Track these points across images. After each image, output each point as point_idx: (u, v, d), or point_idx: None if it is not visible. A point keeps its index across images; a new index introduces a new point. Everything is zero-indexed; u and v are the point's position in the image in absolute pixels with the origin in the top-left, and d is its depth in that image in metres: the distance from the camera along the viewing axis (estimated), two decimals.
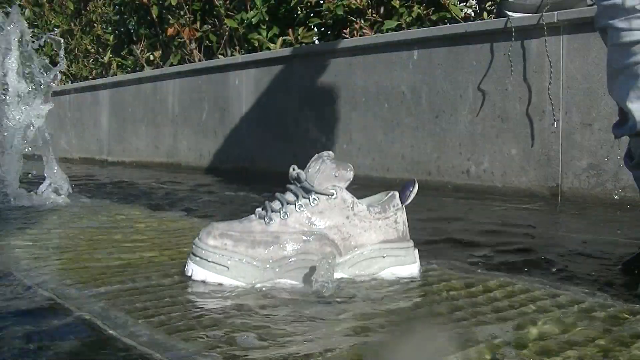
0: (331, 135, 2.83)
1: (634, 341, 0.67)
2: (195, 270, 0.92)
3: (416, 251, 0.99)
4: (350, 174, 0.95)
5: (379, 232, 0.96)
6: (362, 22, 2.97)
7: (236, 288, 0.88)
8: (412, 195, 0.98)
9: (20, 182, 1.91)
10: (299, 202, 0.93)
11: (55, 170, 1.89)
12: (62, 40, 1.95)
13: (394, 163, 2.55)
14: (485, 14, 2.71)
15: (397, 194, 0.99)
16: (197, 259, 0.92)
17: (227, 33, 3.71)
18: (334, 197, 0.94)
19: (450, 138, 2.35)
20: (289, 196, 0.95)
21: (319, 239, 0.93)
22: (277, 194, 0.96)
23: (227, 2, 3.70)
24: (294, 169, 0.96)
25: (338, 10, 3.03)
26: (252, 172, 3.26)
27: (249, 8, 3.54)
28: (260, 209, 0.96)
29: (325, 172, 0.94)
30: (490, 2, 2.78)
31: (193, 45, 3.94)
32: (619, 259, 1.14)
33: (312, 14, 3.34)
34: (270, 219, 0.93)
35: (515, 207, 1.86)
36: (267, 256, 0.91)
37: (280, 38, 3.37)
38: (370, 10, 2.99)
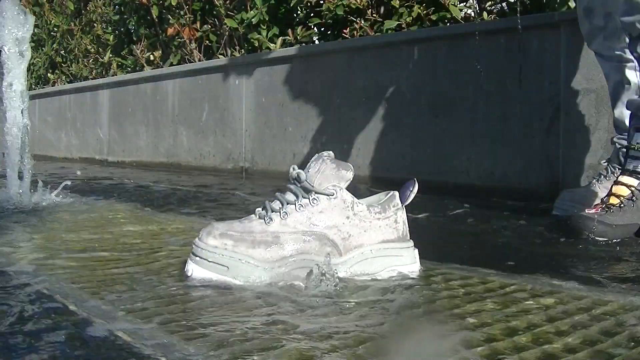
0: (331, 135, 2.83)
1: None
2: (195, 270, 0.92)
3: (416, 251, 1.00)
4: (350, 174, 0.95)
5: (379, 232, 0.96)
6: (362, 22, 2.97)
7: (236, 288, 0.88)
8: (412, 195, 0.98)
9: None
10: (299, 202, 0.94)
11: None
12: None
13: (394, 163, 2.55)
14: (485, 14, 2.71)
15: (397, 194, 0.99)
16: (197, 258, 0.92)
17: (227, 33, 3.71)
18: (334, 197, 0.94)
19: (450, 138, 2.35)
20: (289, 196, 0.95)
21: (319, 239, 0.93)
22: (277, 194, 0.96)
23: (227, 2, 3.70)
24: (294, 169, 0.96)
25: (338, 10, 3.03)
26: (252, 172, 3.26)
27: (249, 8, 3.54)
28: (260, 209, 0.96)
29: (326, 172, 0.94)
30: (490, 2, 2.78)
31: (193, 45, 3.93)
32: (620, 258, 1.14)
33: (312, 14, 3.34)
34: (270, 219, 0.93)
35: (515, 207, 1.86)
36: (267, 256, 0.91)
37: (280, 38, 3.37)
38: (370, 10, 2.99)
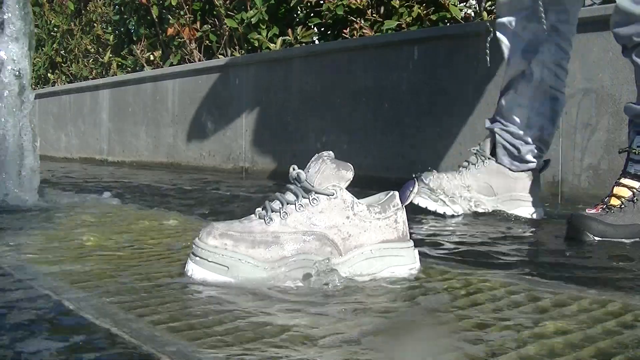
0: (331, 135, 2.83)
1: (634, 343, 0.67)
2: (195, 270, 0.92)
3: (416, 251, 0.99)
4: (350, 174, 0.95)
5: (379, 232, 0.96)
6: (362, 22, 2.97)
7: (236, 288, 0.88)
8: (412, 195, 0.98)
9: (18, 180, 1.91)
10: (299, 202, 0.93)
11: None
12: None
13: (394, 163, 2.55)
14: (485, 13, 2.71)
15: (397, 194, 0.99)
16: (197, 258, 0.92)
17: (227, 33, 3.71)
18: (334, 197, 0.94)
19: (450, 138, 2.35)
20: (289, 196, 0.95)
21: (319, 239, 0.93)
22: (277, 194, 0.96)
23: (227, 2, 3.70)
24: (294, 169, 0.96)
25: (338, 10, 3.03)
26: (252, 172, 3.26)
27: (249, 8, 3.54)
28: (260, 209, 0.96)
29: (326, 172, 0.94)
30: (490, 2, 2.78)
31: (193, 45, 3.94)
32: (620, 258, 1.14)
33: (312, 14, 3.34)
34: (270, 219, 0.93)
35: None
36: (267, 256, 0.91)
37: (280, 38, 3.37)
38: (370, 10, 2.99)
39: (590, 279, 0.98)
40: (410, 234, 1.00)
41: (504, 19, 1.58)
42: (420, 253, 1.00)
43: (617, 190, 1.33)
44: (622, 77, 1.89)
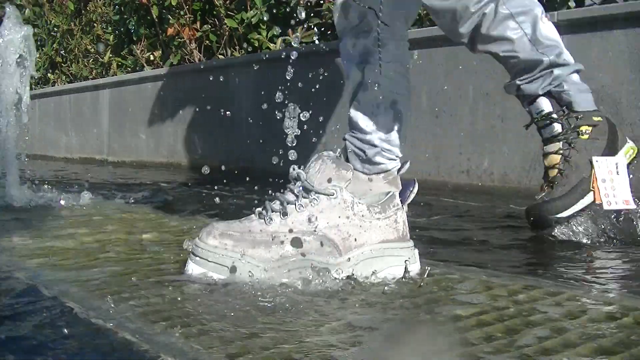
0: (331, 136, 2.83)
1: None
2: (195, 270, 0.92)
3: (416, 251, 1.00)
4: (350, 174, 0.95)
5: (379, 232, 0.96)
6: None
7: (235, 288, 0.88)
8: (412, 195, 0.98)
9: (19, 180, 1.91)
10: (299, 202, 0.94)
11: None
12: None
13: None
14: None
15: (397, 193, 0.99)
16: (197, 258, 0.92)
17: (227, 33, 3.71)
18: (334, 197, 0.94)
19: (450, 138, 2.35)
20: (289, 196, 0.95)
21: (319, 239, 0.93)
22: (277, 194, 0.96)
23: (227, 2, 3.70)
24: (294, 169, 0.97)
25: None
26: (252, 172, 3.26)
27: (249, 8, 3.54)
28: (260, 209, 0.96)
29: (326, 172, 0.94)
30: None
31: (193, 45, 3.94)
32: (619, 259, 1.15)
33: (312, 14, 3.34)
34: (270, 219, 0.93)
35: (514, 207, 1.86)
36: (267, 256, 0.91)
37: (280, 38, 3.37)
38: None
39: (591, 278, 0.98)
40: (411, 234, 1.00)
41: (342, 42, 1.63)
42: (419, 254, 1.00)
43: (548, 161, 1.32)
44: (622, 77, 1.89)
